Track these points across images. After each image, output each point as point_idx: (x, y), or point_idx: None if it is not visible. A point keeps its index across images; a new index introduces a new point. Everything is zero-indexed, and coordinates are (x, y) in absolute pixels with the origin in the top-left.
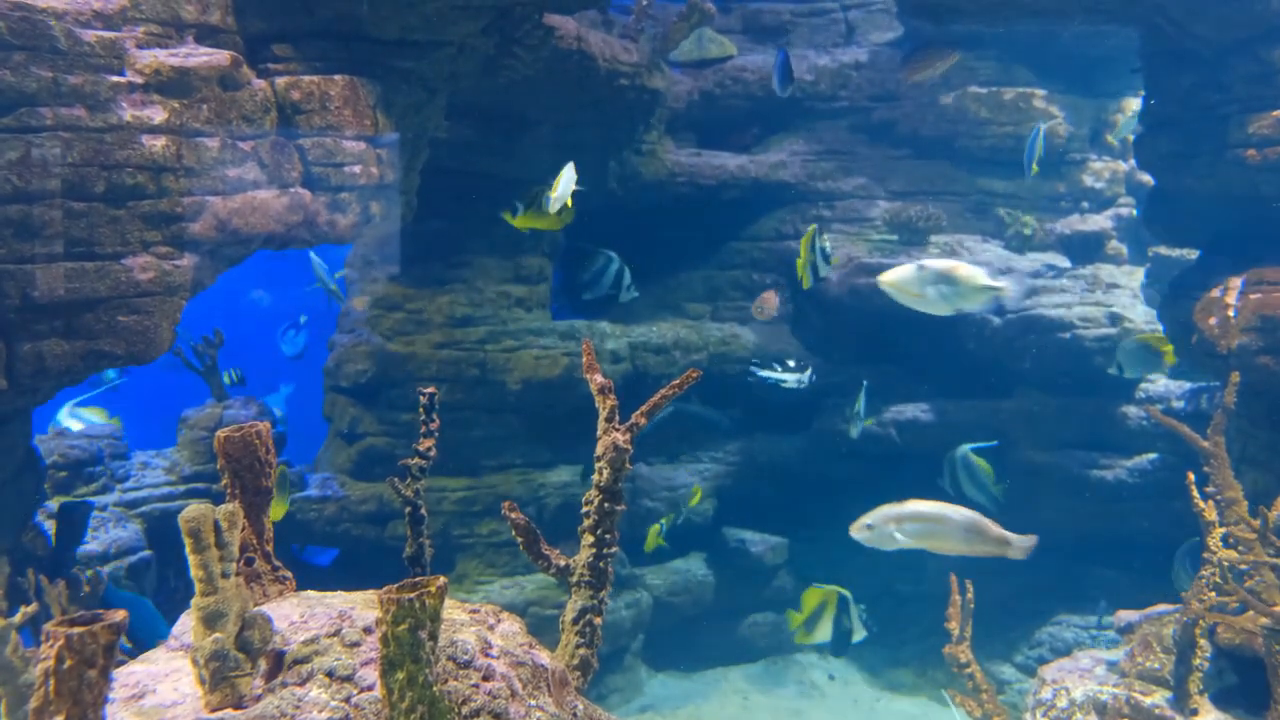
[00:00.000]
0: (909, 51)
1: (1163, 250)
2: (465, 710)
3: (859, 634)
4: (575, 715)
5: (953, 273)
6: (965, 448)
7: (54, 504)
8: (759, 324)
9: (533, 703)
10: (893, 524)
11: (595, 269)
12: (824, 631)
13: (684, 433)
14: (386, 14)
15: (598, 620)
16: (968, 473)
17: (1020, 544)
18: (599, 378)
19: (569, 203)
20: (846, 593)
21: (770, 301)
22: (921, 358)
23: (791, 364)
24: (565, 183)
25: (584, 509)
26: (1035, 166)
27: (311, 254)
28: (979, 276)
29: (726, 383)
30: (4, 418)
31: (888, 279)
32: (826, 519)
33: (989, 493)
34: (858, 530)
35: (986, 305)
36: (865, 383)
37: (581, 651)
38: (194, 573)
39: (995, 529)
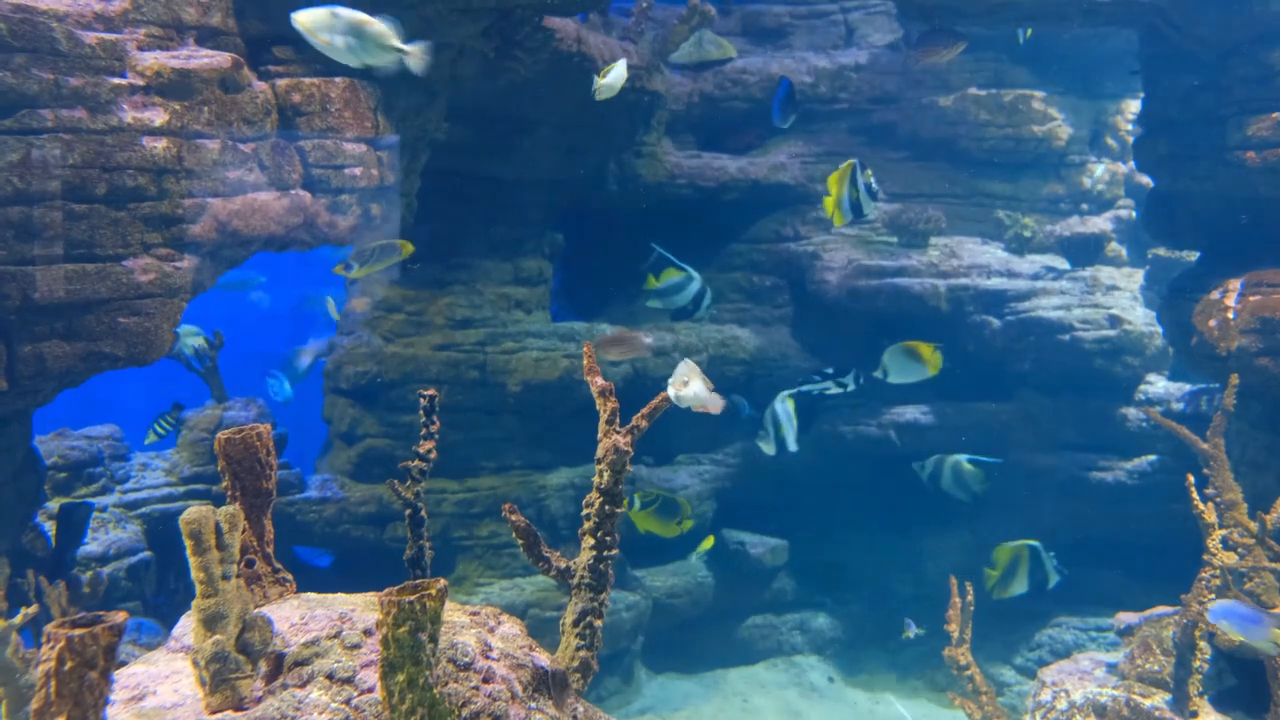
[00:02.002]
0: (920, 36)
1: (1162, 252)
2: (465, 713)
3: (1054, 578)
4: (575, 717)
5: (363, 25)
6: (961, 458)
7: (54, 505)
8: (758, 326)
9: (533, 705)
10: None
11: (674, 283)
12: (1021, 583)
13: (708, 427)
14: (387, 16)
15: (598, 622)
16: (955, 477)
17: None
18: (599, 380)
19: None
20: (1035, 543)
21: (632, 342)
22: (832, 368)
23: (830, 370)
24: (616, 74)
25: (584, 511)
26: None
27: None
28: (389, 36)
29: (726, 385)
30: (4, 419)
31: (300, 18)
32: (827, 521)
33: (971, 491)
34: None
35: (392, 64)
36: (792, 395)
37: (581, 654)
38: (194, 575)
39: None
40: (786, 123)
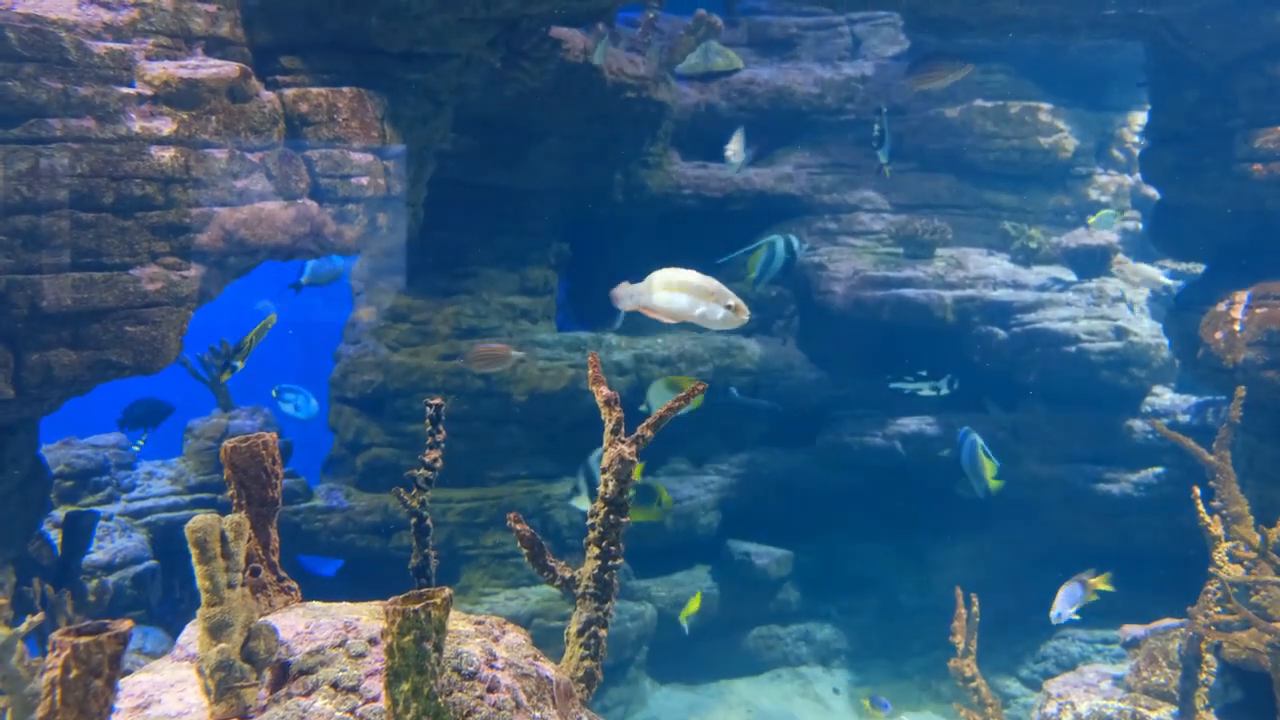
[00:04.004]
0: (916, 60)
1: (1168, 264)
2: None
3: None
4: None
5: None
6: (980, 441)
7: (60, 513)
8: (764, 336)
9: (537, 715)
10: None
11: (764, 260)
12: None
13: (728, 425)
14: (394, 26)
15: (602, 632)
16: (971, 458)
17: None
18: (605, 390)
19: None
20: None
21: (500, 355)
22: (926, 370)
23: (924, 374)
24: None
25: (589, 520)
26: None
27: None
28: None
29: (731, 394)
30: (10, 427)
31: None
32: (832, 532)
33: (982, 480)
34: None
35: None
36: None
37: (586, 663)
38: (200, 583)
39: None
40: (738, 169)
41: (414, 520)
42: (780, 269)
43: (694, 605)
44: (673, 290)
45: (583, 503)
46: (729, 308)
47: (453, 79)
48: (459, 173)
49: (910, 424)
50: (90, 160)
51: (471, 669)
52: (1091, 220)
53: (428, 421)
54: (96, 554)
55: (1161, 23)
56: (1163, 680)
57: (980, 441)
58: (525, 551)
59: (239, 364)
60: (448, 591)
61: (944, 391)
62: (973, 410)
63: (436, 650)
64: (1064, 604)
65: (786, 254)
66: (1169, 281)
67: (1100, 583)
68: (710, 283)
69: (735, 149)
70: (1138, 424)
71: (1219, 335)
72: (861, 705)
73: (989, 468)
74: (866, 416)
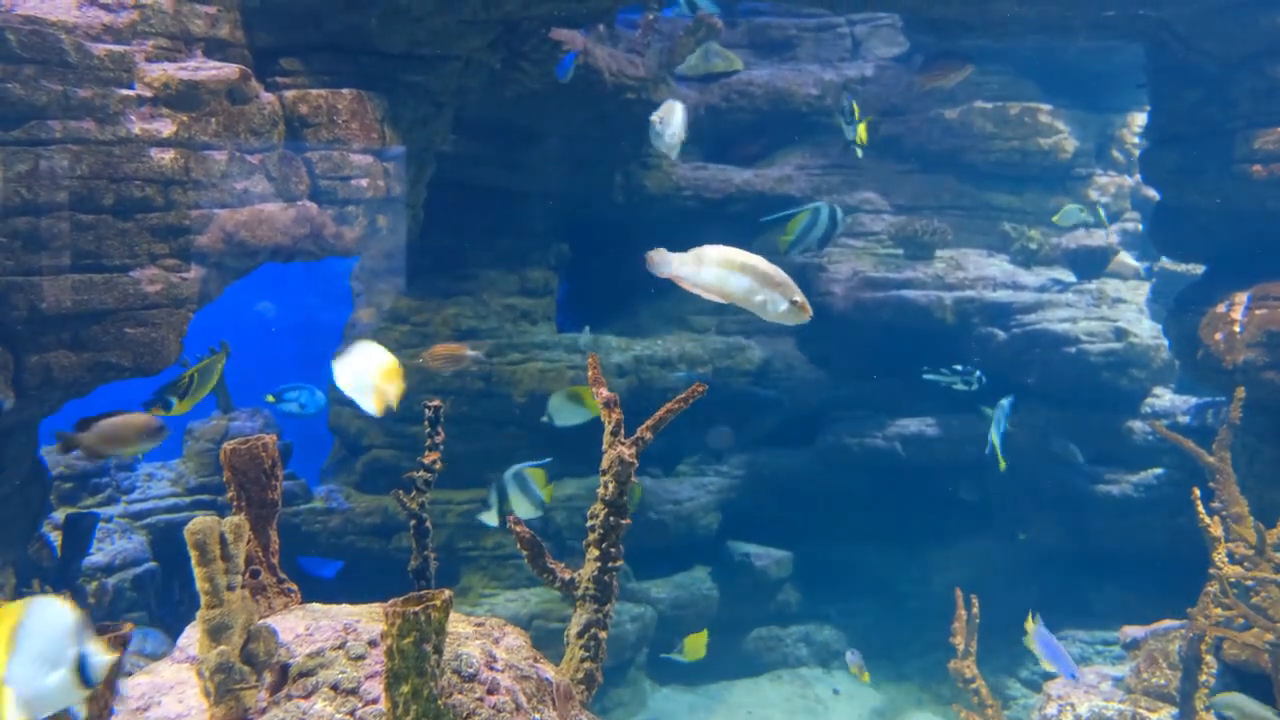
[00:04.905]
0: (925, 59)
1: (1168, 265)
2: None
3: None
4: None
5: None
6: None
7: (60, 515)
8: (764, 337)
9: (537, 717)
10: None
11: (805, 225)
12: None
13: (739, 416)
14: (394, 28)
15: (602, 634)
16: (996, 426)
17: None
18: (604, 391)
19: None
20: None
21: (457, 355)
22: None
23: (958, 368)
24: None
25: (589, 522)
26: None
27: None
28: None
29: (731, 396)
30: (10, 429)
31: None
32: (832, 533)
33: (995, 470)
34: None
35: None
36: (538, 466)
37: (586, 665)
38: (199, 585)
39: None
40: (672, 151)
41: (413, 522)
42: (820, 237)
43: (701, 644)
44: (732, 270)
45: (490, 518)
46: (794, 303)
47: (453, 81)
48: (459, 174)
49: (910, 425)
50: (90, 162)
51: (471, 671)
52: (1055, 218)
53: (427, 423)
54: (96, 556)
55: (1161, 24)
56: (1163, 681)
57: (995, 439)
58: (525, 553)
59: (176, 403)
60: (447, 593)
61: (974, 387)
62: (973, 412)
63: (436, 652)
64: (1060, 659)
65: (829, 222)
66: (1138, 265)
67: (1029, 622)
68: (778, 272)
69: (662, 115)
70: (1138, 425)
71: (1219, 336)
72: (861, 708)
73: (997, 465)
74: (866, 418)
